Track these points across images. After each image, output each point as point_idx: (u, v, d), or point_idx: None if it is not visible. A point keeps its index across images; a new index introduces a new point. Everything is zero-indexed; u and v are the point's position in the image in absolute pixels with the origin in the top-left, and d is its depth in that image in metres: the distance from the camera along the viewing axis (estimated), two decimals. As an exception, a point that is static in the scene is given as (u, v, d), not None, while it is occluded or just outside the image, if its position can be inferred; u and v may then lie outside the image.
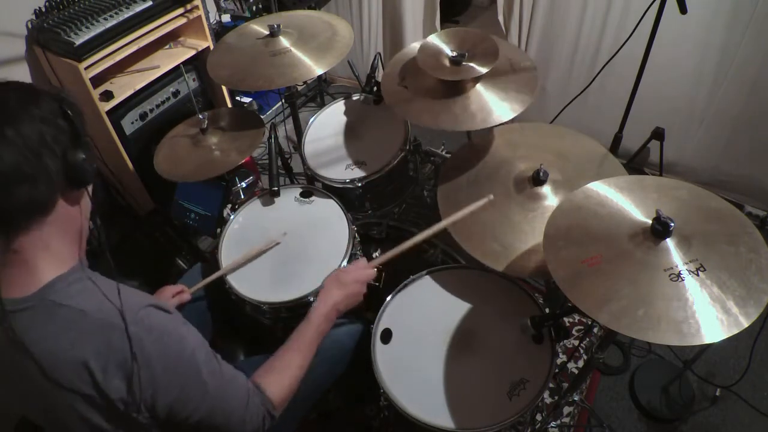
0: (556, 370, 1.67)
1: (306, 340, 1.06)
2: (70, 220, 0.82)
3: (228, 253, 1.45)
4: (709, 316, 0.83)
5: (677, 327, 0.83)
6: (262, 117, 1.73)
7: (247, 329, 1.54)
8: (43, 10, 1.85)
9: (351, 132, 1.77)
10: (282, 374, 0.99)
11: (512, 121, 1.39)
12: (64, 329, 0.75)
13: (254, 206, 1.59)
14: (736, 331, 0.81)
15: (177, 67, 2.11)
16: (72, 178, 0.78)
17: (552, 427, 1.63)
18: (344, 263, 1.35)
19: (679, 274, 0.88)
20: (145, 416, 0.78)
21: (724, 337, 0.81)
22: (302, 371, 1.02)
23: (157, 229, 2.20)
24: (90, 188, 0.85)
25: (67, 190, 0.79)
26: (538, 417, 1.52)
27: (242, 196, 1.76)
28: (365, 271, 1.18)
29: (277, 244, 1.43)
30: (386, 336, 1.27)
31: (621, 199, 1.05)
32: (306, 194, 1.58)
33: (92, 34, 1.78)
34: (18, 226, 0.76)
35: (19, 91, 0.77)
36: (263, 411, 0.92)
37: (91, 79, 1.81)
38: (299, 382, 1.02)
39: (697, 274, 0.88)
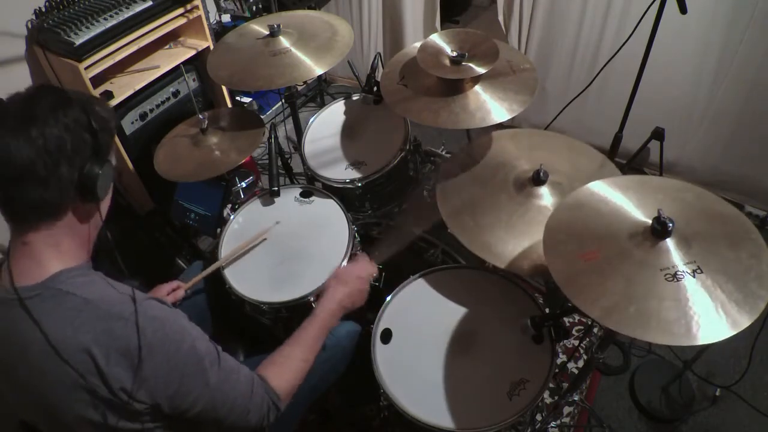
0: (556, 370, 1.67)
1: (309, 335, 1.06)
2: (80, 228, 0.84)
3: (228, 253, 1.45)
4: (700, 318, 0.83)
5: (667, 326, 0.83)
6: (262, 117, 1.73)
7: (247, 329, 1.54)
8: (43, 10, 1.84)
9: (351, 132, 1.77)
10: (284, 366, 0.99)
11: (512, 120, 1.39)
12: (69, 316, 0.76)
13: (254, 206, 1.59)
14: (729, 335, 0.81)
15: (177, 67, 2.11)
16: (84, 191, 0.79)
17: (552, 427, 1.63)
18: (344, 263, 1.35)
19: (675, 275, 0.88)
20: (145, 405, 0.79)
21: (715, 340, 0.81)
22: (306, 364, 1.03)
23: (157, 229, 2.20)
24: (104, 208, 0.86)
25: (78, 202, 0.81)
26: (538, 417, 1.52)
27: (242, 196, 1.76)
28: (367, 267, 1.21)
29: (268, 234, 1.44)
30: (386, 336, 1.27)
31: (623, 198, 1.05)
32: (306, 194, 1.58)
33: (92, 34, 1.78)
34: (27, 222, 0.79)
35: (52, 96, 0.79)
36: (268, 401, 0.92)
37: (91, 79, 1.81)
38: (304, 375, 1.02)
39: (693, 276, 0.87)
